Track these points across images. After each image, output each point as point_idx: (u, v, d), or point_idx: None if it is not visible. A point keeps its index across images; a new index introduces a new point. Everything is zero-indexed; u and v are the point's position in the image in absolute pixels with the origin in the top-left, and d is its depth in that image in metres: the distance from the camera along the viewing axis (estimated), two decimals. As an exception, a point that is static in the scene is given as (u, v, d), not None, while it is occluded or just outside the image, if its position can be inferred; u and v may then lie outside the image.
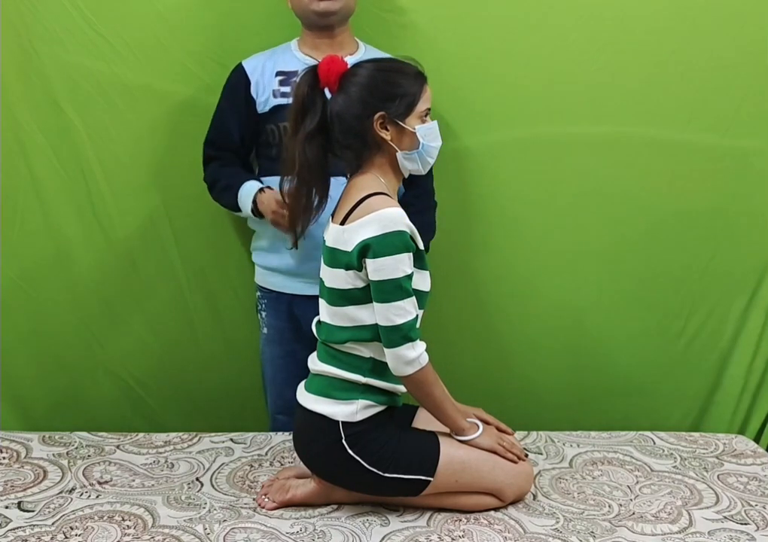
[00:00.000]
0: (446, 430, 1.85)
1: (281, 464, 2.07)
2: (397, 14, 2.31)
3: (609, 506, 1.89)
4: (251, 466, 2.06)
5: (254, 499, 1.89)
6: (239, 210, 2.15)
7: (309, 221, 1.84)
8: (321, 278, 1.84)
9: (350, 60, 1.85)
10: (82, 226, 2.40)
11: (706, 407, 2.63)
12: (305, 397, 1.84)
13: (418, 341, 1.75)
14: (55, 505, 1.84)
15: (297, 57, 2.15)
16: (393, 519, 1.82)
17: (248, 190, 2.11)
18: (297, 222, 1.88)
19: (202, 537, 1.73)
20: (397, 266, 1.69)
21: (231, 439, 2.20)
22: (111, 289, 2.46)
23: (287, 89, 2.09)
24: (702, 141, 2.42)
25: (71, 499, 1.87)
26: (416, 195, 2.26)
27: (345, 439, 1.76)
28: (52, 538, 1.71)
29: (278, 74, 2.14)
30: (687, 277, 2.53)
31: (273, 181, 2.05)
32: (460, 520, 1.81)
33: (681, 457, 2.14)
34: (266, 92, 2.14)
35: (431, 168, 2.20)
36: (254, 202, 2.09)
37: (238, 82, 2.16)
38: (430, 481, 1.79)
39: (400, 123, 1.76)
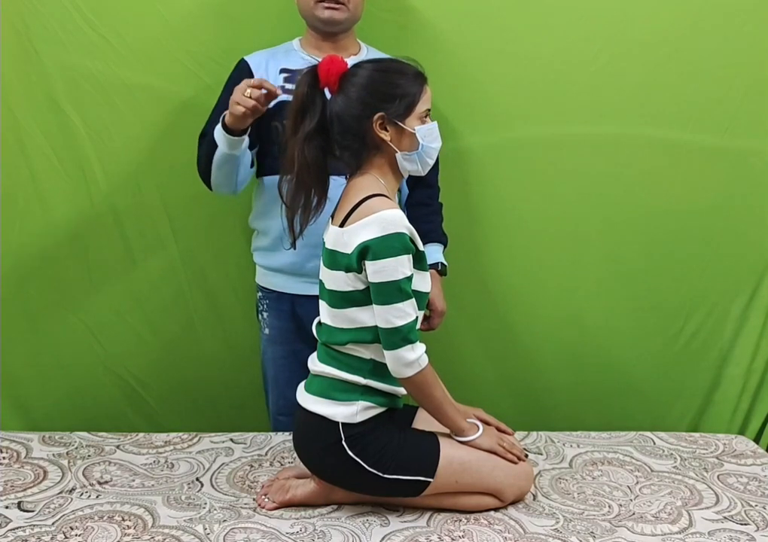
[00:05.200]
0: (446, 430, 1.85)
1: (281, 464, 2.07)
2: (397, 14, 2.32)
3: (609, 507, 1.89)
4: (251, 466, 2.06)
5: (254, 499, 1.89)
6: (222, 151, 2.02)
7: (308, 221, 1.83)
8: (321, 280, 1.83)
9: (351, 61, 1.85)
10: (82, 226, 2.40)
11: (705, 407, 2.63)
12: (305, 398, 1.84)
13: (417, 343, 1.74)
14: (55, 505, 1.84)
15: (301, 56, 2.15)
16: (393, 519, 1.82)
17: (218, 126, 2.03)
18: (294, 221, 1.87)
19: (202, 537, 1.73)
20: (396, 268, 1.69)
21: (231, 440, 2.20)
22: (112, 289, 2.47)
23: (292, 86, 2.06)
24: (702, 141, 2.42)
25: (71, 499, 1.87)
26: (430, 195, 2.27)
27: (345, 441, 1.76)
28: (52, 538, 1.71)
29: (282, 71, 2.13)
30: (686, 277, 2.53)
31: (272, 180, 2.05)
32: (460, 520, 1.81)
33: (681, 457, 2.14)
34: None
35: (438, 166, 2.21)
36: (223, 123, 2.00)
37: (241, 75, 2.11)
38: (430, 482, 1.79)
39: (400, 123, 1.75)
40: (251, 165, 2.15)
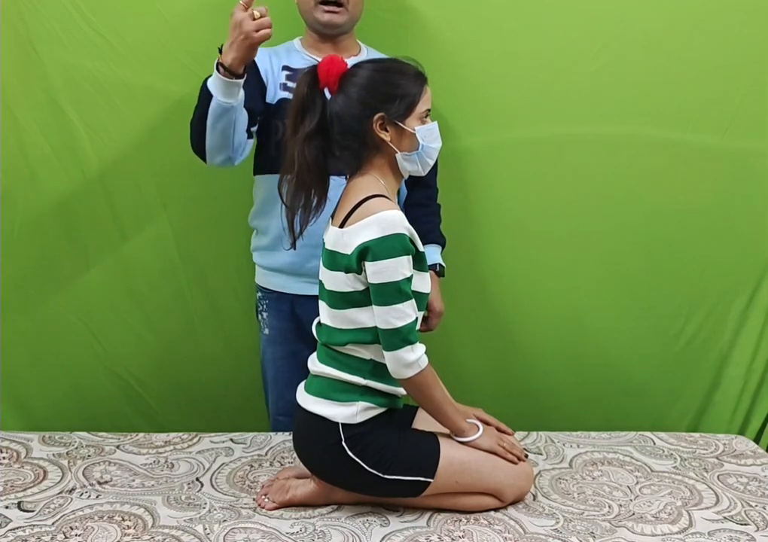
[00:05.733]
0: (446, 430, 1.85)
1: (281, 464, 2.07)
2: (397, 14, 2.32)
3: (609, 507, 1.89)
4: (251, 466, 2.06)
5: (254, 499, 1.89)
6: (217, 101, 1.92)
7: (308, 222, 1.83)
8: (320, 281, 1.83)
9: (351, 62, 1.85)
10: (82, 225, 2.40)
11: (705, 407, 2.63)
12: (305, 398, 1.84)
13: (417, 344, 1.74)
14: (55, 505, 1.84)
15: (302, 56, 2.15)
16: (393, 519, 1.82)
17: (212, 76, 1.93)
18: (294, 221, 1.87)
19: (202, 537, 1.73)
20: (396, 269, 1.69)
21: (231, 440, 2.20)
22: (112, 289, 2.47)
23: (293, 84, 2.06)
24: (702, 141, 2.42)
25: (71, 499, 1.87)
26: (429, 196, 2.27)
27: (345, 441, 1.76)
28: (52, 538, 1.71)
29: (284, 68, 2.13)
30: (686, 277, 2.53)
31: (270, 179, 2.05)
32: (460, 520, 1.81)
33: (681, 457, 2.14)
34: (275, 83, 2.11)
35: (437, 167, 2.21)
36: (217, 66, 1.90)
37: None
38: (430, 482, 1.79)
39: (400, 124, 1.75)
40: (249, 136, 2.06)
